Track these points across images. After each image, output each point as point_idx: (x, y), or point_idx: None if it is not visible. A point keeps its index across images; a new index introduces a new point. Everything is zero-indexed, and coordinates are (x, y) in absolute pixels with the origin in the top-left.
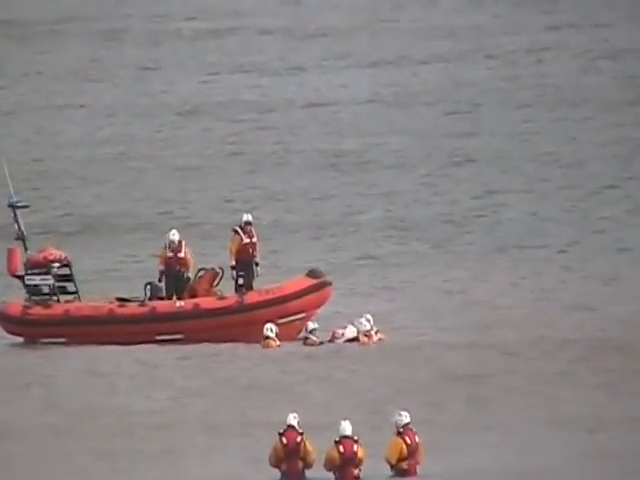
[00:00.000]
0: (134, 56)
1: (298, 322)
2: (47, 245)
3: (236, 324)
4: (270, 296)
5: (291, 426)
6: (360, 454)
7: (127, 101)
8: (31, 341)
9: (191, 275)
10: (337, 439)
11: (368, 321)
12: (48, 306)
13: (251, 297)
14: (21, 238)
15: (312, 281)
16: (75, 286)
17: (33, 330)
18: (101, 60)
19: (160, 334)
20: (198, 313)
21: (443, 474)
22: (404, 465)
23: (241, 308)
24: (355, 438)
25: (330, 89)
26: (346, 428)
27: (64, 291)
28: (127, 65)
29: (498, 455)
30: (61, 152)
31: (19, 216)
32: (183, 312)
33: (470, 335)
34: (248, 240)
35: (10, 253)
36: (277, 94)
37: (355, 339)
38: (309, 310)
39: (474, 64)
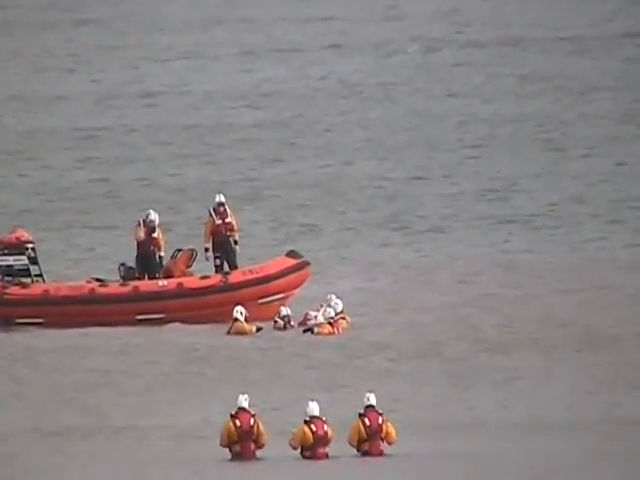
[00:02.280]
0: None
1: (277, 302)
2: (15, 226)
3: (220, 304)
4: (254, 275)
5: (243, 408)
6: (330, 433)
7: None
8: (6, 322)
9: (163, 255)
10: (307, 419)
11: (336, 304)
12: (26, 286)
13: (235, 276)
14: None
15: (293, 261)
16: (39, 268)
17: (10, 310)
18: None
19: (142, 314)
20: (182, 293)
21: (411, 455)
22: (365, 446)
23: (225, 287)
24: (323, 418)
25: None
26: (314, 408)
27: (28, 273)
28: None
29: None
30: None
31: None
32: (166, 292)
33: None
34: (220, 221)
35: None
36: None
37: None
38: (289, 290)
39: None
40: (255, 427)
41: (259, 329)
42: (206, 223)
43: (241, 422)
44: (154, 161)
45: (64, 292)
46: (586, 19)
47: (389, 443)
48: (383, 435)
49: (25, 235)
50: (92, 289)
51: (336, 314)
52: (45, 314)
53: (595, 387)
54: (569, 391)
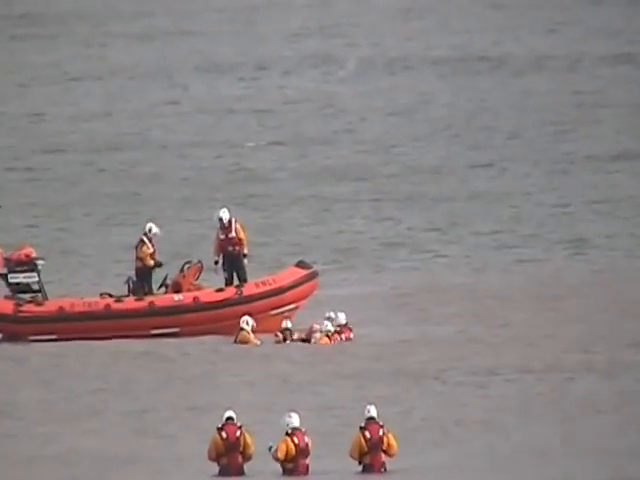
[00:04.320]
0: None
1: (287, 313)
2: (23, 243)
3: (235, 316)
4: (267, 287)
5: (230, 419)
6: (310, 445)
7: None
8: (20, 339)
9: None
10: (288, 431)
11: (331, 319)
12: (40, 303)
13: (249, 289)
14: None
15: (303, 272)
16: (41, 284)
17: (25, 328)
18: None
19: (157, 328)
20: (197, 306)
21: (411, 469)
22: (367, 459)
23: (240, 300)
24: (303, 430)
25: None
26: (294, 420)
27: (39, 290)
28: None
29: (468, 452)
30: None
31: None
32: (182, 305)
33: None
34: (224, 236)
35: None
36: None
37: (306, 340)
38: (300, 301)
39: None
40: (242, 439)
41: (285, 340)
42: (215, 237)
43: (227, 434)
44: None
45: (79, 308)
46: None
47: (390, 455)
48: (385, 447)
49: (33, 252)
50: (107, 304)
51: (339, 326)
52: (60, 330)
53: None
54: None
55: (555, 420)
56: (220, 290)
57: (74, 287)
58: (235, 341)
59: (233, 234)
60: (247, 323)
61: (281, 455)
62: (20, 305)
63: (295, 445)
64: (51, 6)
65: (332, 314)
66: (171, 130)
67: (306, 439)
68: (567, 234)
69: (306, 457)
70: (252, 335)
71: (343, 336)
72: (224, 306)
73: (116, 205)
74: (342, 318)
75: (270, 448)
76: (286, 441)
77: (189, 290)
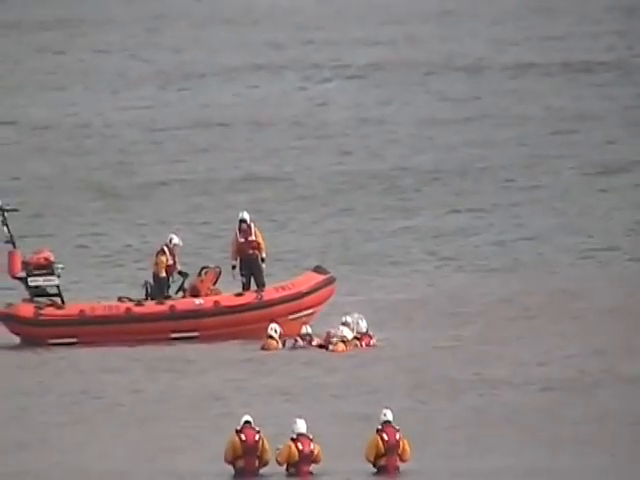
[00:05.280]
0: None
1: (304, 318)
2: (41, 246)
3: (255, 321)
4: (287, 292)
5: (248, 423)
6: (316, 451)
7: None
8: (39, 343)
9: (171, 278)
10: (294, 436)
11: (347, 325)
12: (60, 306)
13: (269, 293)
14: (10, 242)
15: (321, 277)
16: (59, 288)
17: (45, 331)
18: None
19: (177, 332)
20: (218, 310)
21: (426, 472)
22: (382, 462)
23: (260, 304)
24: (310, 436)
25: None
26: (301, 426)
27: (58, 293)
28: None
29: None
30: None
31: (7, 220)
32: (203, 310)
33: None
34: (243, 239)
35: (11, 255)
36: None
37: (324, 346)
38: (317, 305)
39: None
40: (260, 443)
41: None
42: (232, 241)
43: (246, 437)
44: None
45: (100, 312)
46: None
47: (403, 460)
48: (399, 451)
49: (52, 255)
50: (128, 308)
51: (359, 333)
52: (80, 334)
53: None
54: None
55: (599, 437)
56: (240, 294)
57: (88, 292)
58: (263, 348)
59: (253, 237)
60: (275, 331)
61: (282, 459)
62: (40, 308)
63: (299, 451)
64: None
65: (349, 319)
66: None
67: (312, 446)
68: None
69: (310, 463)
70: (279, 342)
71: (363, 343)
72: (244, 310)
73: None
74: (363, 325)
75: (277, 450)
76: (289, 446)
77: (207, 295)
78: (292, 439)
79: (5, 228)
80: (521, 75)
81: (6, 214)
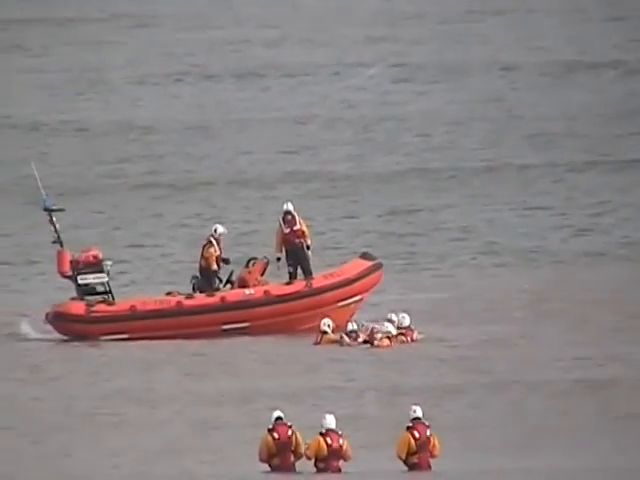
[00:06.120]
0: None
1: (352, 305)
2: (88, 245)
3: (304, 309)
4: (335, 279)
5: (280, 419)
6: (345, 447)
7: None
8: (91, 340)
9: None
10: (323, 431)
11: (392, 322)
12: (111, 303)
13: (318, 281)
14: (58, 241)
15: (368, 263)
16: (109, 285)
17: (97, 328)
18: None
19: (228, 323)
20: (268, 300)
21: (458, 471)
22: (414, 459)
23: (310, 292)
24: (339, 432)
25: None
26: (330, 421)
27: (109, 290)
28: None
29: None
30: None
31: (55, 220)
32: (253, 300)
33: None
34: (289, 230)
35: (60, 255)
36: None
37: (368, 342)
38: (365, 292)
39: None
40: (293, 438)
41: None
42: (276, 233)
43: (279, 434)
44: None
45: (151, 306)
46: None
47: (433, 456)
48: (430, 448)
49: (100, 253)
50: (179, 301)
51: (400, 328)
52: (132, 329)
53: None
54: None
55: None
56: (289, 283)
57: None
58: (317, 344)
59: (298, 226)
60: (328, 326)
61: (310, 454)
62: (91, 305)
63: (328, 445)
64: None
65: (393, 316)
66: None
67: (340, 441)
68: None
69: (339, 459)
70: (334, 336)
71: (408, 338)
72: (295, 299)
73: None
74: (406, 320)
75: (306, 445)
76: (318, 441)
77: (255, 286)
78: (321, 434)
79: (52, 228)
80: None
81: (53, 214)
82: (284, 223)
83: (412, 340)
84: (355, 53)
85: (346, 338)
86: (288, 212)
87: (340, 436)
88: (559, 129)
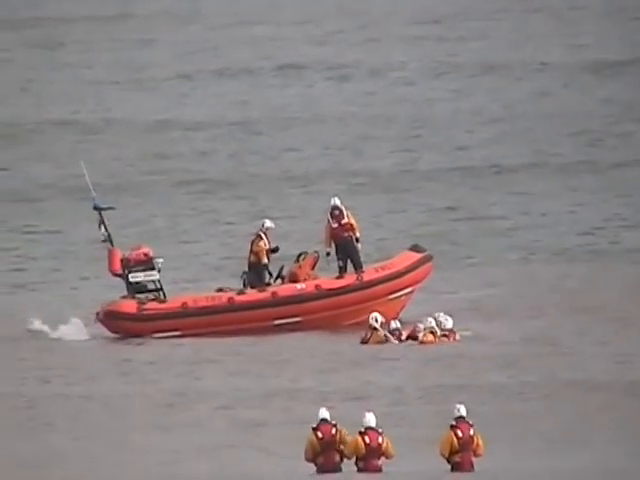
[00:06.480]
0: None
1: (403, 297)
2: (139, 242)
3: (356, 302)
4: (386, 272)
5: (324, 419)
6: (385, 445)
7: None
8: (142, 337)
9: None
10: (362, 430)
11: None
12: (163, 300)
13: (369, 274)
14: (108, 240)
15: (418, 255)
16: (160, 282)
17: (149, 326)
18: None
19: (280, 318)
20: (320, 294)
21: (501, 470)
22: (457, 458)
23: (361, 285)
24: (380, 430)
25: None
26: (371, 419)
27: (160, 288)
28: None
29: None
30: None
31: (105, 218)
32: (305, 294)
33: None
34: (337, 224)
35: (111, 253)
36: None
37: (413, 337)
38: (415, 284)
39: None
40: (337, 436)
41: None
42: (325, 228)
43: (323, 434)
44: None
45: (203, 303)
46: None
47: (477, 455)
48: (474, 447)
49: (151, 251)
50: (230, 297)
51: (443, 330)
52: (184, 326)
53: None
54: None
55: None
56: (340, 277)
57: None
58: (366, 342)
59: (346, 219)
60: (376, 320)
61: (348, 452)
62: (143, 303)
63: (366, 444)
64: None
65: (433, 322)
66: None
67: (380, 439)
68: None
69: (379, 457)
70: (383, 332)
71: (450, 339)
72: (346, 292)
73: None
74: (449, 323)
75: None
76: (356, 439)
77: (305, 280)
78: (360, 432)
79: (102, 227)
80: None
81: (103, 213)
82: (332, 218)
83: (454, 340)
84: (400, 50)
85: (390, 337)
86: (336, 207)
87: (380, 434)
88: (601, 126)
